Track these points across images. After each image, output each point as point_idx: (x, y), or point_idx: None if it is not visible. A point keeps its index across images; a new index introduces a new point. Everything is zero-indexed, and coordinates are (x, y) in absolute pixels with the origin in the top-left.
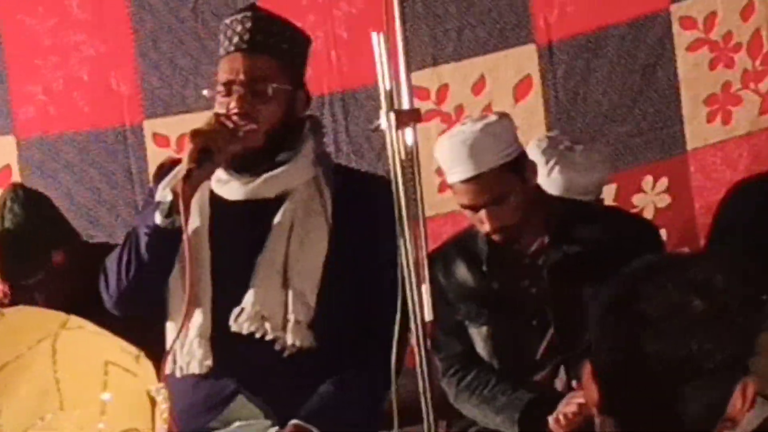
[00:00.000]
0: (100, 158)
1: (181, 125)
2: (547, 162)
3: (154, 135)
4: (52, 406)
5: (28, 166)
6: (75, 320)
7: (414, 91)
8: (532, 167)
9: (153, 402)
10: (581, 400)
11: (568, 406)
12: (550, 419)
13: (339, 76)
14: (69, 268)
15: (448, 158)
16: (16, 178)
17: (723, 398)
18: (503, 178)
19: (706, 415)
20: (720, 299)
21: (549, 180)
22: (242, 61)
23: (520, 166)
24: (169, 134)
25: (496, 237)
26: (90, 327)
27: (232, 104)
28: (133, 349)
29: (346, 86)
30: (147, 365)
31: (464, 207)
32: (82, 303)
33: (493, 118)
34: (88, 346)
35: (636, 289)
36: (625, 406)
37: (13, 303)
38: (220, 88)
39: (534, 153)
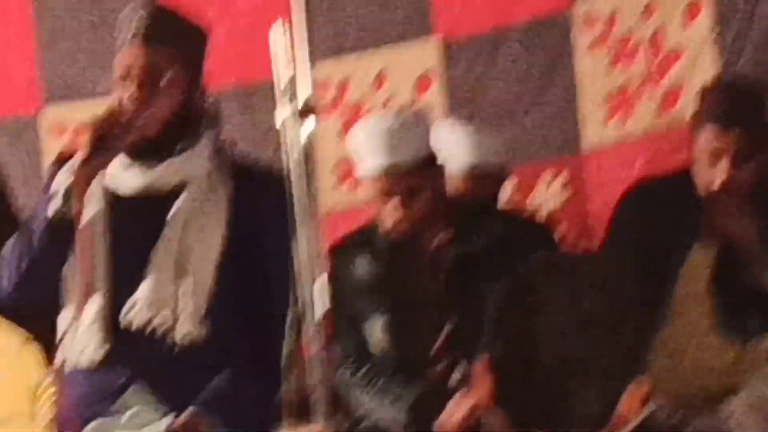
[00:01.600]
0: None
1: (79, 114)
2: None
3: (52, 123)
4: None
5: None
6: None
7: (313, 85)
8: (443, 169)
9: (38, 387)
10: (471, 403)
11: (456, 410)
12: (436, 424)
13: (239, 68)
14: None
15: (367, 146)
16: None
17: (616, 394)
18: (418, 172)
19: (599, 411)
20: (613, 298)
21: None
22: (137, 52)
23: (433, 163)
24: (66, 123)
25: (401, 227)
26: None
27: (127, 94)
28: (21, 333)
29: (245, 79)
30: (34, 350)
31: (377, 197)
32: None
33: (410, 112)
34: None
35: (531, 285)
36: (518, 400)
37: None
38: (117, 78)
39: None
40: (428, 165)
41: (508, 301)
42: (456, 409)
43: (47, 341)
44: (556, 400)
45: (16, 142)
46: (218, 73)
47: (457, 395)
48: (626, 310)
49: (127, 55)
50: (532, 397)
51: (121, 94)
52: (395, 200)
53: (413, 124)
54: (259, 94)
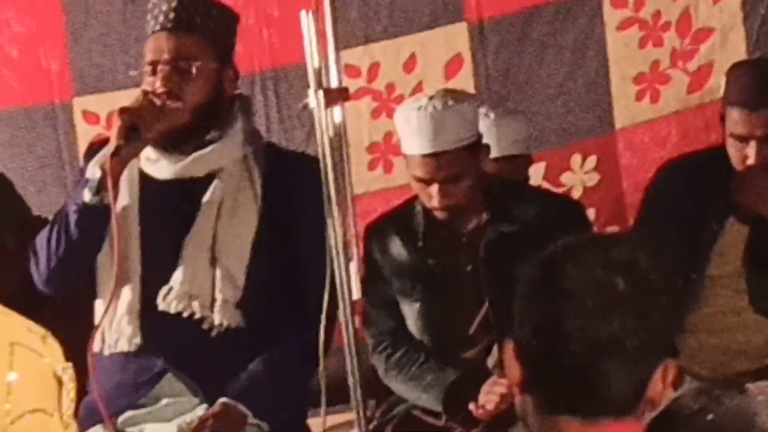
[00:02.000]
0: (29, 136)
1: (110, 103)
2: None
3: (84, 112)
4: None
5: None
6: None
7: (345, 69)
8: (486, 151)
9: (60, 382)
10: (503, 390)
11: (488, 397)
12: (472, 406)
13: (270, 54)
14: (20, 251)
15: (411, 129)
16: None
17: (645, 378)
18: (462, 159)
19: (628, 395)
20: (643, 279)
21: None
22: (167, 40)
23: (477, 148)
24: (99, 112)
25: (441, 214)
26: None
27: (157, 83)
28: (39, 329)
29: (277, 64)
30: (54, 345)
31: (417, 179)
32: (28, 289)
33: (461, 97)
34: None
35: (559, 267)
36: (546, 385)
37: None
38: (146, 67)
39: None
40: (472, 151)
41: (534, 286)
42: (490, 394)
43: (66, 336)
44: (585, 385)
45: (49, 130)
46: (249, 56)
47: (491, 379)
48: (657, 291)
49: (156, 42)
50: (562, 383)
51: (151, 83)
52: (435, 187)
53: (460, 109)
54: (291, 79)
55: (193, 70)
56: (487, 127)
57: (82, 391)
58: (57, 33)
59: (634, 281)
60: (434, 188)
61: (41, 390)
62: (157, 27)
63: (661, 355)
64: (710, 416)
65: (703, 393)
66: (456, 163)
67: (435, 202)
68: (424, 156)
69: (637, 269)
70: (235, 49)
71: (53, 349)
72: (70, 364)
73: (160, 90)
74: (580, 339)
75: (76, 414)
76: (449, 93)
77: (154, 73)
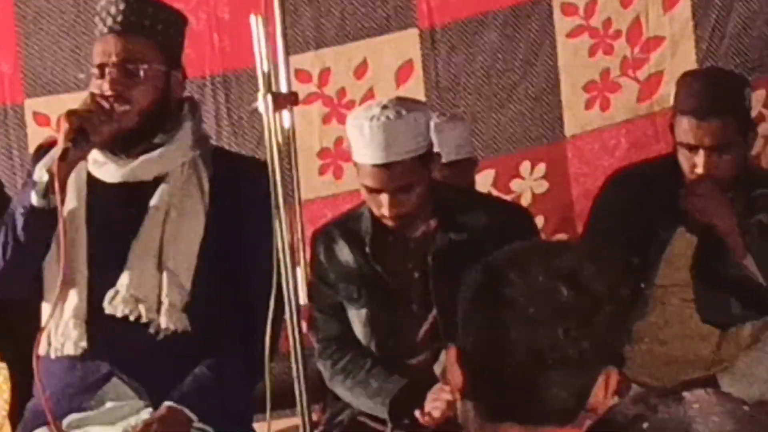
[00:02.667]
0: None
1: (61, 105)
2: None
3: (35, 114)
4: None
5: None
6: None
7: (296, 74)
8: (438, 159)
9: None
10: (449, 396)
11: (434, 405)
12: (417, 414)
13: (221, 57)
14: None
15: (362, 139)
16: None
17: (587, 387)
18: (413, 169)
19: (570, 403)
20: (589, 288)
21: None
22: (114, 43)
23: (429, 157)
24: (50, 114)
25: (391, 222)
26: None
27: (105, 86)
28: None
29: (227, 68)
30: None
31: (367, 188)
32: None
33: (413, 106)
34: None
35: (502, 274)
36: (488, 391)
37: None
38: (95, 70)
39: None
40: (424, 160)
41: (477, 292)
42: (436, 401)
43: (12, 339)
44: (527, 392)
45: (0, 131)
46: (200, 60)
47: (437, 386)
48: (601, 300)
49: (104, 45)
50: (504, 390)
51: (98, 85)
52: (386, 196)
53: (413, 119)
54: (242, 82)
55: (141, 73)
56: (434, 131)
57: (27, 393)
58: (8, 35)
59: (577, 290)
60: (384, 198)
61: None
62: (105, 29)
63: (604, 363)
64: (645, 424)
65: (640, 401)
66: (407, 173)
67: (385, 211)
68: (375, 166)
69: (581, 278)
70: (184, 52)
71: None
72: (4, 365)
73: (108, 93)
74: (522, 346)
75: (10, 415)
76: (402, 102)
77: (102, 75)
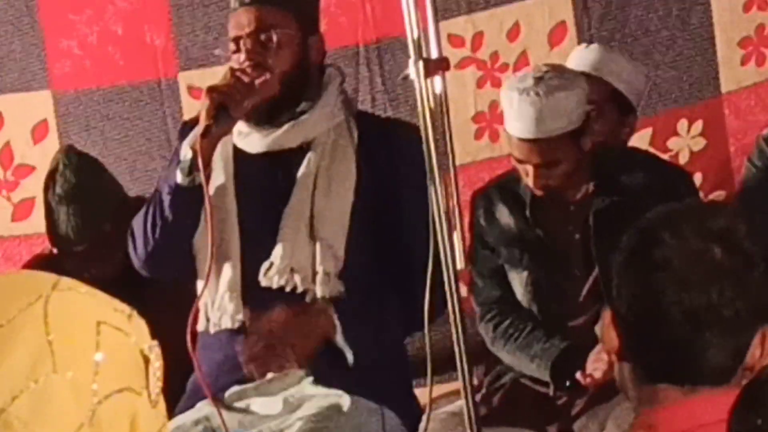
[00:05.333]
0: (135, 111)
1: (216, 78)
2: None
3: (189, 87)
4: (45, 368)
5: (64, 120)
6: (66, 281)
7: (449, 39)
8: (592, 130)
9: (147, 360)
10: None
11: (596, 366)
12: (579, 375)
13: (374, 26)
14: (117, 237)
15: (511, 111)
16: (52, 132)
17: (743, 346)
18: (561, 146)
19: (727, 363)
20: (742, 247)
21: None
22: (247, 15)
23: (581, 131)
24: (204, 86)
25: (538, 192)
26: (81, 288)
27: (242, 57)
28: (125, 308)
29: (380, 36)
30: (140, 323)
31: (513, 157)
32: (131, 271)
33: (569, 82)
34: (79, 307)
35: (655, 236)
36: (643, 353)
37: (62, 270)
38: (231, 45)
39: None
40: (575, 136)
41: (630, 255)
42: (598, 362)
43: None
44: (683, 353)
45: (155, 105)
46: (353, 29)
47: (598, 347)
48: (756, 259)
49: (237, 18)
50: (660, 351)
51: (236, 59)
52: (531, 169)
53: (566, 96)
54: (395, 50)
55: (275, 38)
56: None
57: (178, 369)
58: (160, 9)
59: (731, 250)
60: (529, 169)
61: (128, 369)
62: (237, 4)
63: (760, 322)
64: None
65: None
66: (554, 149)
67: (530, 182)
68: (521, 140)
69: (734, 238)
70: (318, 18)
71: (139, 327)
72: (155, 342)
73: (245, 64)
74: (677, 308)
75: (164, 391)
76: (558, 75)
77: (238, 49)
